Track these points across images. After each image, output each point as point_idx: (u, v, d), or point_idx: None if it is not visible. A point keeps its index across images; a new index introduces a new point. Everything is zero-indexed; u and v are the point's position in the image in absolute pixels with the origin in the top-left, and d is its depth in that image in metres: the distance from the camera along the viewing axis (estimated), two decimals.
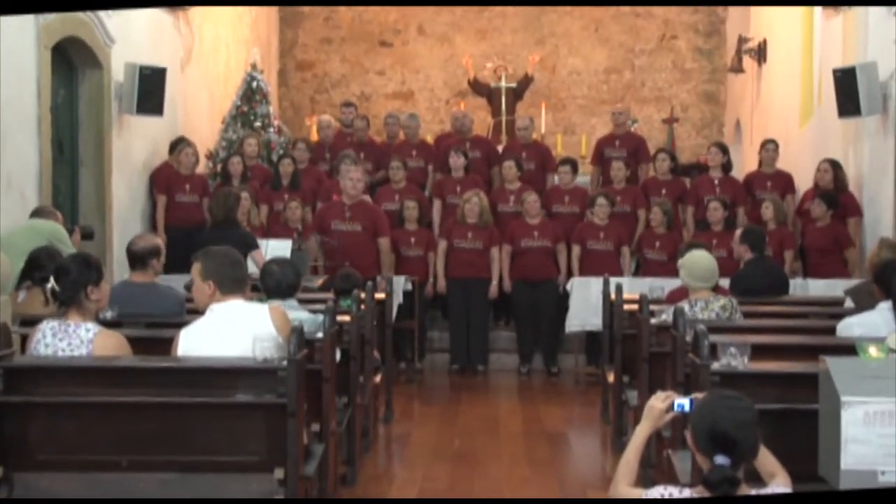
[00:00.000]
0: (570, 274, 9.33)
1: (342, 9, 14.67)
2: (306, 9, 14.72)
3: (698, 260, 5.83)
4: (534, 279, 9.38)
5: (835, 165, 9.04)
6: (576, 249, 9.41)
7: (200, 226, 9.35)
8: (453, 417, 7.79)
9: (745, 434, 2.97)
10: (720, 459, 2.93)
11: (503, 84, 12.83)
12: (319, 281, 7.97)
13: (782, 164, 10.12)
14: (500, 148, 11.38)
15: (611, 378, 6.92)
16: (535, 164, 10.52)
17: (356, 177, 8.98)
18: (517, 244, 9.41)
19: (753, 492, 2.99)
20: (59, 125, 8.06)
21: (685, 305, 5.54)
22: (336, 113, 12.35)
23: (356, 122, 11.11)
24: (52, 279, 4.14)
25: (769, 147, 9.91)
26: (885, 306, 4.78)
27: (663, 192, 9.91)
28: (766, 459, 3.17)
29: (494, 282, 9.42)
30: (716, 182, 9.79)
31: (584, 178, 10.91)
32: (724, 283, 7.24)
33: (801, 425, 3.62)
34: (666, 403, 3.26)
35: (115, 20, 8.56)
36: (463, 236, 9.38)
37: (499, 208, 9.82)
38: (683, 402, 3.22)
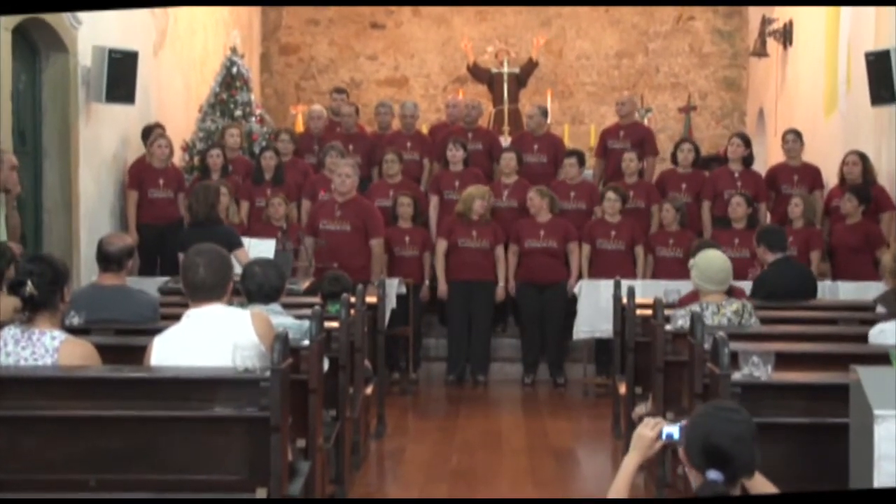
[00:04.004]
0: (580, 276, 9.32)
1: None
2: None
3: (712, 260, 5.83)
4: (541, 282, 9.38)
5: (863, 158, 9.05)
6: (585, 249, 9.40)
7: (175, 223, 9.35)
8: (451, 432, 7.79)
9: (741, 449, 3.01)
10: (712, 475, 2.97)
11: (505, 70, 12.83)
12: (305, 284, 7.97)
13: (809, 156, 10.12)
14: (503, 140, 11.36)
15: (622, 389, 6.92)
16: (546, 158, 10.50)
17: (345, 172, 8.97)
18: (522, 244, 9.41)
19: None
20: (21, 114, 8.04)
21: (695, 310, 5.54)
22: (324, 101, 12.34)
23: (343, 109, 11.10)
24: (29, 283, 4.12)
25: (788, 138, 9.92)
26: None
27: (683, 186, 9.92)
28: (759, 483, 3.19)
29: (501, 283, 9.42)
30: (736, 175, 9.80)
31: (591, 171, 10.91)
32: (747, 285, 7.26)
33: (830, 441, 3.63)
34: (655, 431, 3.30)
35: None
36: (467, 235, 9.37)
37: (494, 204, 9.82)
38: (672, 430, 3.26)
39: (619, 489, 3.31)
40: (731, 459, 2.99)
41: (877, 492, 2.96)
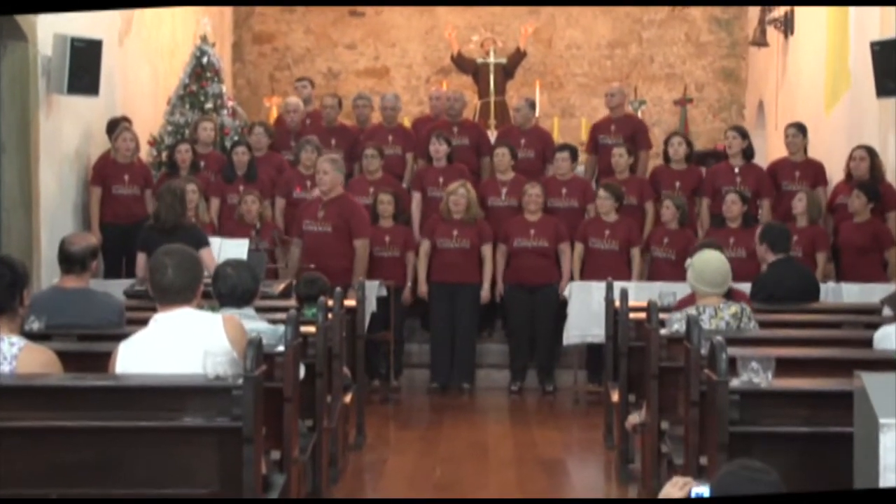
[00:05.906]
0: (572, 279, 9.32)
1: None
2: None
3: (709, 261, 5.84)
4: (530, 284, 9.39)
5: (871, 153, 9.09)
6: (578, 248, 9.41)
7: (141, 222, 9.31)
8: (435, 443, 7.79)
9: None
10: None
11: (491, 60, 12.82)
12: (280, 286, 7.96)
13: (811, 150, 10.14)
14: (490, 134, 11.36)
15: (615, 397, 6.94)
16: (534, 153, 10.50)
17: (322, 168, 8.96)
18: (510, 243, 9.41)
19: None
20: None
21: (691, 313, 5.56)
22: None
23: (326, 100, 11.06)
24: None
25: (789, 132, 9.94)
26: None
27: (677, 184, 9.92)
28: None
29: (486, 285, 9.43)
30: (736, 171, 9.79)
31: (582, 168, 10.90)
32: (745, 287, 7.27)
33: (833, 450, 3.64)
34: (684, 491, 3.30)
35: None
36: (447, 235, 9.37)
37: (489, 202, 9.81)
38: (702, 490, 3.25)
39: None
40: None
41: (875, 492, 2.98)
